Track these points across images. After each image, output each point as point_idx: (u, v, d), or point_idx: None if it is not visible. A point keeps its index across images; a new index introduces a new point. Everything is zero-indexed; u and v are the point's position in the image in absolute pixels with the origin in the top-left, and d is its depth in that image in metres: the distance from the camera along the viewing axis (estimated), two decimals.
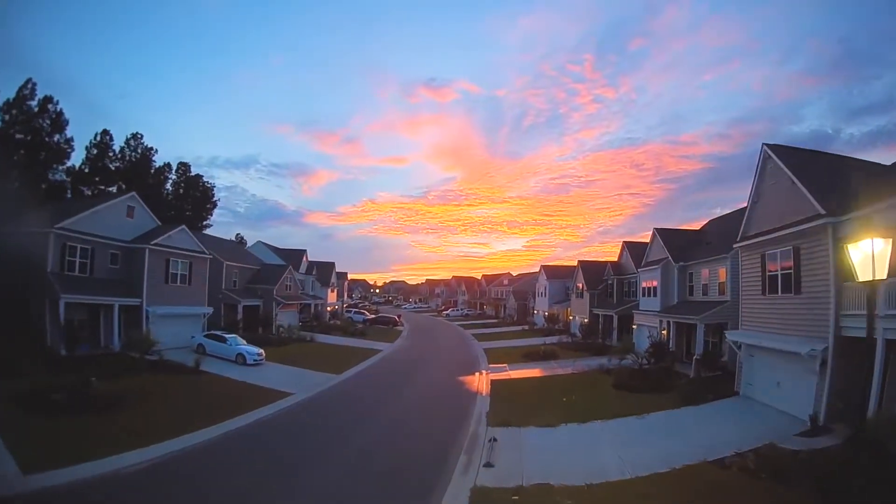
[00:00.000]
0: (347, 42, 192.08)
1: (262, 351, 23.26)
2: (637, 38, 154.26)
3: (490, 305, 73.43)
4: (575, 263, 42.22)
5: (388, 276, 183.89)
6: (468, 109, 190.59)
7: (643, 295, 27.35)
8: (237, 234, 78.59)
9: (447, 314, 73.79)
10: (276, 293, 35.38)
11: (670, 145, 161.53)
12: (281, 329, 33.52)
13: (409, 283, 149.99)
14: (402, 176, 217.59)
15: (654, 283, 25.97)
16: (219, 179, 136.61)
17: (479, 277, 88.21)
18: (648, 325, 26.50)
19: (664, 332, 24.35)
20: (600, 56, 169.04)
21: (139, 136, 49.71)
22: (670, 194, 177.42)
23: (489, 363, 26.46)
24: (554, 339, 35.48)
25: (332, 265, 52.55)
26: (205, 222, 62.84)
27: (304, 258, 46.83)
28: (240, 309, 32.85)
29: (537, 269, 57.72)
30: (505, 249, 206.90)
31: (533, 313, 54.76)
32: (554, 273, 50.33)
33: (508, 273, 79.68)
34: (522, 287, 62.10)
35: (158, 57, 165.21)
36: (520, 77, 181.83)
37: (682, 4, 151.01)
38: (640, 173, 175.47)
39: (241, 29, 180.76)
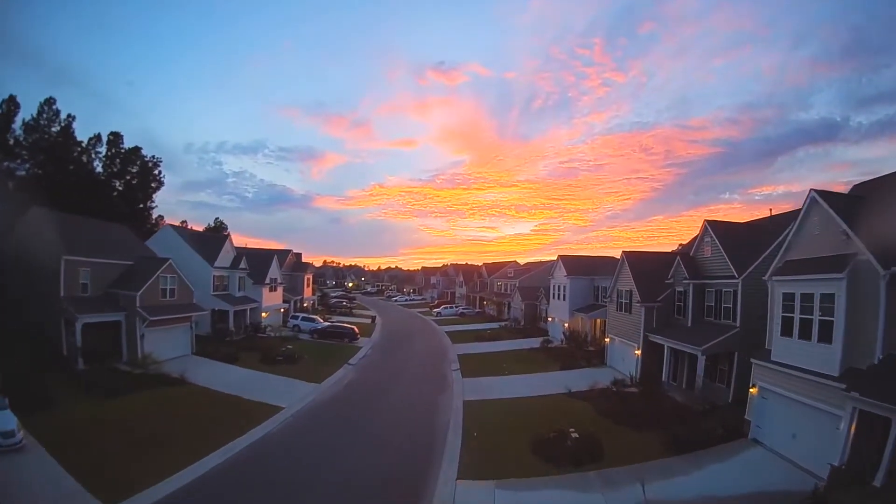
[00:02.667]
0: (357, 24, 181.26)
1: (12, 428, 11.86)
2: (647, 22, 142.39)
3: (491, 303, 59.83)
4: (596, 252, 28.47)
5: (396, 261, 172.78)
6: (477, 92, 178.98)
7: (784, 333, 13.20)
8: (216, 219, 65.67)
9: (438, 313, 60.33)
10: (139, 302, 22.28)
11: (680, 129, 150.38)
12: (139, 360, 20.95)
13: (406, 269, 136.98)
14: (411, 159, 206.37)
15: (828, 312, 11.86)
16: (227, 164, 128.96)
17: (481, 265, 74.24)
18: (798, 399, 12.77)
19: (853, 426, 10.72)
20: (610, 40, 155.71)
21: (52, 100, 38.92)
22: (679, 178, 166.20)
23: (463, 459, 13.23)
24: (584, 377, 22.18)
25: (272, 255, 38.29)
26: (149, 203, 50.63)
27: (228, 245, 33.26)
28: (78, 328, 20.09)
29: (547, 257, 44.04)
30: (513, 233, 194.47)
31: (546, 319, 41.17)
32: (577, 267, 36.09)
33: (514, 262, 65.46)
34: (532, 282, 48.31)
35: (164, 42, 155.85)
36: (529, 60, 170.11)
37: None
38: (649, 157, 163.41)
39: (249, 11, 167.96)
